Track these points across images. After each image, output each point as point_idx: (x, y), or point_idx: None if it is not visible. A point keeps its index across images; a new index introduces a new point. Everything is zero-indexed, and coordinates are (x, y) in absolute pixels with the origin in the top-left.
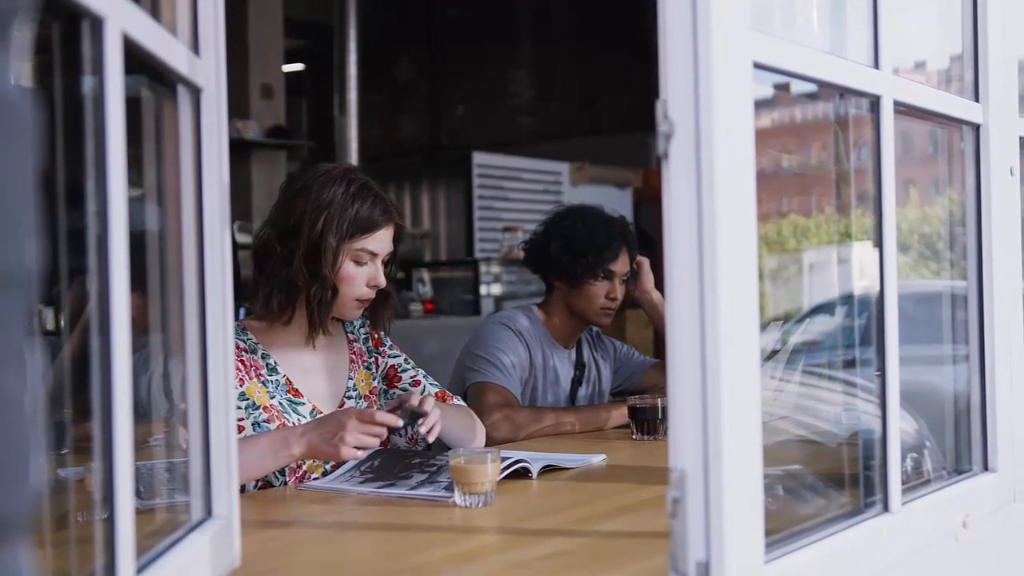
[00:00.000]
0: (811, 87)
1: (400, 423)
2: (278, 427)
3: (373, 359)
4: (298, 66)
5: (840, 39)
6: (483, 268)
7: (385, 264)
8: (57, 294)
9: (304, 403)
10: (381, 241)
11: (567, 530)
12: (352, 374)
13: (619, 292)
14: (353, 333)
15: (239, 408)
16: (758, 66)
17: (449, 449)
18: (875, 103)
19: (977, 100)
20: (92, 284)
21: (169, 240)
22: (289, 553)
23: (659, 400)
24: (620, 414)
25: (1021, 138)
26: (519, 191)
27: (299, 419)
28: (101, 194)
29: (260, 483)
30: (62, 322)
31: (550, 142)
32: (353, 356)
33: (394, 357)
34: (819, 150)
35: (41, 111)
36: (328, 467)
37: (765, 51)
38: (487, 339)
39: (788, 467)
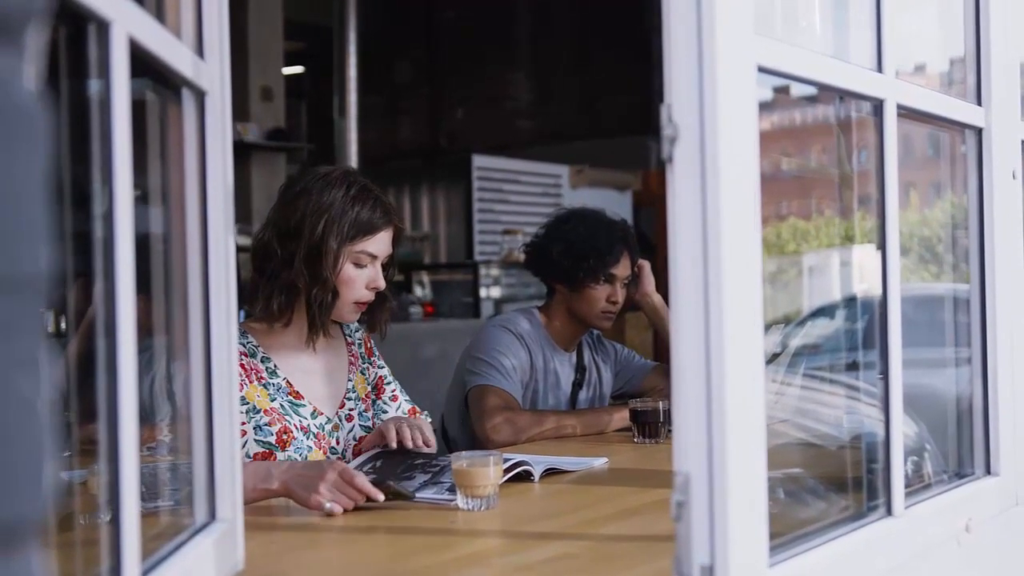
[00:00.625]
0: (810, 90)
1: (381, 498)
2: (280, 430)
3: (367, 365)
4: (298, 68)
5: (842, 42)
6: (483, 271)
7: (384, 266)
8: (59, 296)
9: (305, 404)
10: (381, 243)
11: (570, 533)
12: (351, 376)
13: (620, 296)
14: (350, 336)
15: (240, 412)
16: (762, 70)
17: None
18: (878, 107)
19: (979, 104)
20: (98, 286)
21: (173, 242)
22: (292, 556)
23: (660, 403)
24: (621, 417)
25: (1023, 141)
26: (519, 194)
27: (300, 420)
28: (107, 196)
29: None
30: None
31: (550, 145)
32: (352, 359)
33: (381, 368)
34: (818, 153)
35: (53, 116)
36: None
37: (769, 55)
38: (488, 342)
39: (791, 471)
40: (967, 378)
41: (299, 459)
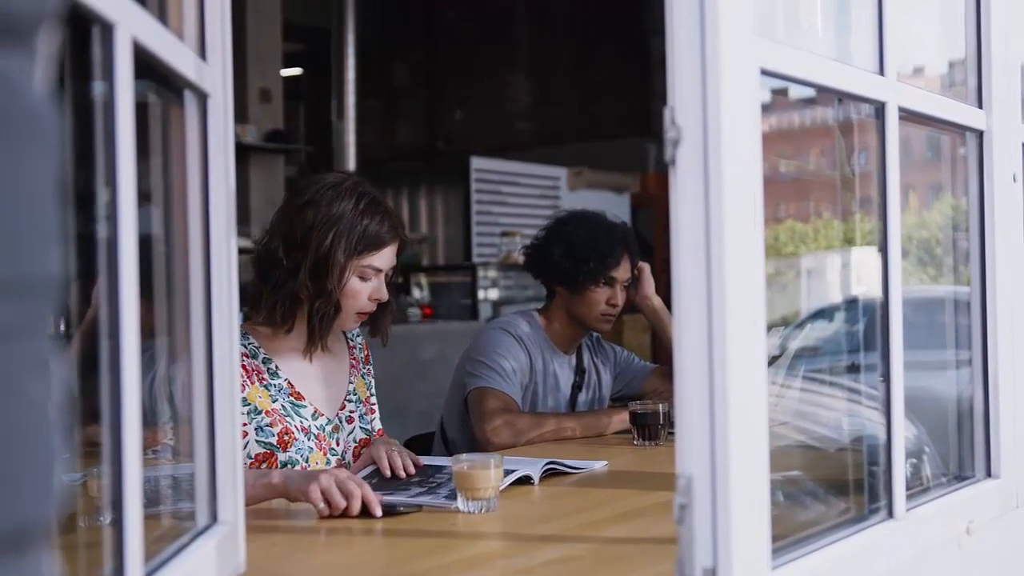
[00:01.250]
0: (808, 92)
1: (379, 513)
2: (281, 431)
3: (366, 371)
4: (296, 70)
5: (844, 45)
6: (481, 273)
7: (387, 276)
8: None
9: (306, 405)
10: (387, 257)
11: (571, 536)
12: (352, 379)
13: (620, 298)
14: (352, 340)
15: (241, 414)
16: (765, 72)
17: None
18: (880, 109)
19: (980, 106)
20: (101, 288)
21: (175, 244)
22: (293, 559)
23: (660, 406)
24: (621, 419)
25: None
26: (517, 196)
27: (301, 421)
28: (111, 198)
29: None
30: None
31: (548, 147)
32: (353, 362)
33: (372, 378)
34: (817, 155)
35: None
36: None
37: (771, 57)
38: (488, 344)
39: (792, 473)
40: (967, 380)
41: (300, 459)
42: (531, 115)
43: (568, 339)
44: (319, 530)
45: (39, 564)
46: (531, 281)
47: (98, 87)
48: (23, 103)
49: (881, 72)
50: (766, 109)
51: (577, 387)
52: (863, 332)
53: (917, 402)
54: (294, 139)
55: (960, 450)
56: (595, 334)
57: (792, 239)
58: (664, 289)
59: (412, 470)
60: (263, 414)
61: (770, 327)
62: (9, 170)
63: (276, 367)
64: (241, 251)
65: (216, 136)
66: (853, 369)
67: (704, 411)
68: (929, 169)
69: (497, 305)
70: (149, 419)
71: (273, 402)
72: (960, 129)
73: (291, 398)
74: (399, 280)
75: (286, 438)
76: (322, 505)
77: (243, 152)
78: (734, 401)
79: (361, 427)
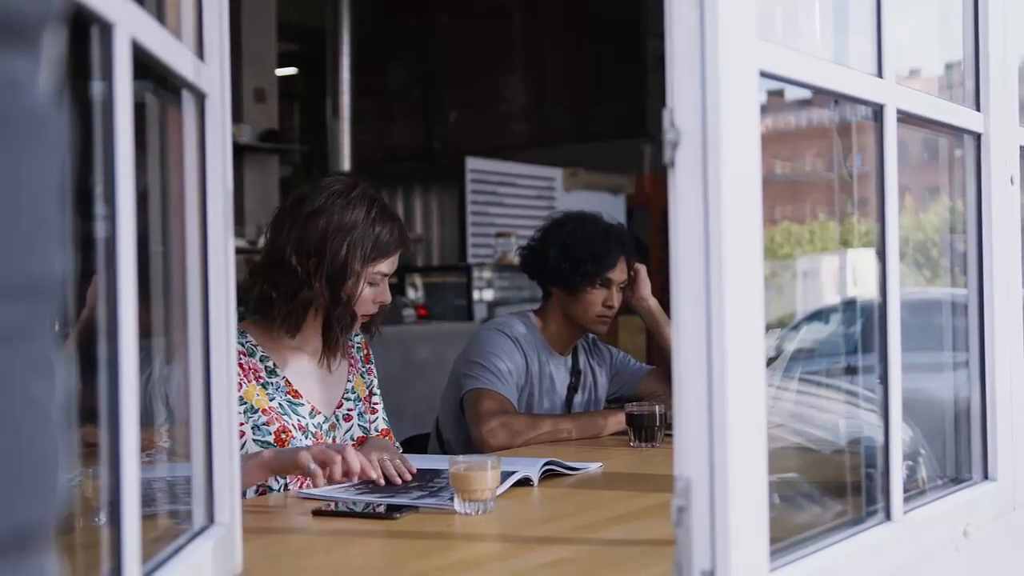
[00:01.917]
0: (804, 94)
1: (374, 475)
2: (278, 429)
3: (366, 370)
4: (291, 70)
5: (842, 47)
6: (476, 273)
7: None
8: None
9: (303, 403)
10: (395, 263)
11: (568, 538)
12: (351, 377)
13: (616, 300)
14: (351, 339)
15: (238, 413)
16: (764, 74)
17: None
18: (878, 112)
19: (978, 109)
20: (100, 288)
21: (172, 244)
22: (290, 560)
23: (657, 407)
24: (617, 421)
25: (1021, 147)
26: (512, 196)
27: (299, 420)
28: (109, 199)
29: (260, 488)
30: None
31: (543, 148)
32: (351, 361)
33: (374, 377)
34: (813, 157)
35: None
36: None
37: (770, 59)
38: (484, 345)
39: (789, 475)
40: (964, 383)
41: None
42: (526, 116)
43: (564, 340)
44: (315, 532)
45: (43, 565)
46: (526, 282)
47: (97, 87)
48: (29, 105)
49: (880, 74)
50: (762, 110)
51: (573, 388)
52: (860, 334)
53: (914, 404)
54: (289, 139)
55: (957, 452)
56: (591, 335)
57: (788, 241)
58: (660, 290)
59: (407, 477)
60: (260, 413)
61: (766, 329)
62: (15, 172)
63: (274, 365)
64: (236, 251)
65: (214, 136)
66: (850, 371)
67: (703, 413)
68: (924, 171)
69: (492, 306)
70: (144, 420)
71: (271, 400)
72: (958, 132)
73: (289, 396)
74: (394, 280)
75: (283, 436)
76: (314, 466)
77: (238, 152)
78: (733, 403)
79: (359, 425)
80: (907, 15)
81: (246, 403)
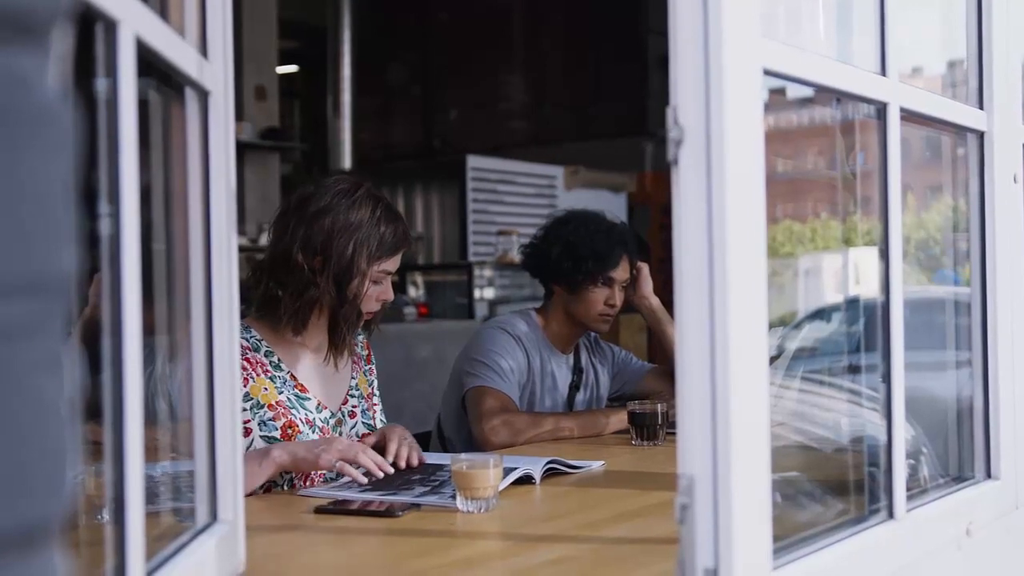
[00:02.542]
0: (806, 92)
1: (389, 467)
2: (285, 424)
3: (368, 368)
4: (292, 68)
5: (845, 45)
6: (477, 272)
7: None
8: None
9: (310, 398)
10: (398, 261)
11: (570, 536)
12: (354, 374)
13: (618, 299)
14: (353, 340)
15: (244, 409)
16: (768, 72)
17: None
18: (881, 110)
19: (981, 107)
20: (104, 286)
21: (175, 242)
22: (293, 558)
23: (659, 405)
24: (619, 419)
25: None
26: (513, 195)
27: (307, 414)
28: (114, 196)
29: (265, 485)
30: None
31: (544, 146)
32: (355, 359)
33: (375, 376)
34: (814, 155)
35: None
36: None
37: (774, 57)
38: (485, 344)
39: (792, 474)
40: (967, 381)
41: None
42: (527, 114)
43: (566, 339)
44: (318, 529)
45: (50, 561)
46: (527, 280)
47: (101, 84)
48: (38, 101)
49: (883, 72)
50: (764, 108)
51: (575, 387)
52: (862, 333)
53: (917, 403)
54: (290, 137)
55: (960, 451)
56: (593, 334)
57: (790, 239)
58: (660, 289)
59: (414, 462)
60: (265, 408)
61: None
62: (23, 168)
63: (279, 360)
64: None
65: (217, 133)
66: (852, 370)
67: (706, 411)
68: (926, 170)
69: (493, 304)
70: (148, 417)
71: (279, 393)
72: (961, 130)
73: (296, 390)
74: (395, 279)
75: (290, 431)
76: (339, 463)
77: (239, 149)
78: (736, 401)
79: (363, 422)
80: (910, 13)
81: (252, 399)
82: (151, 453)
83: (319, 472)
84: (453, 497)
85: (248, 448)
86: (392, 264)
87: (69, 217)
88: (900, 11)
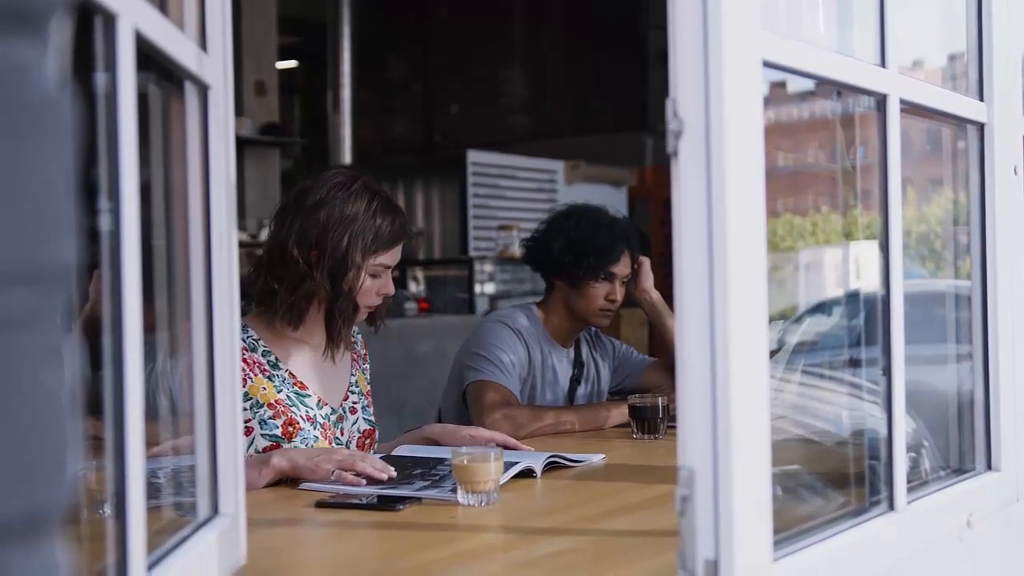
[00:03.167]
0: (807, 85)
1: (393, 472)
2: (285, 422)
3: (366, 367)
4: (292, 63)
5: (845, 37)
6: (477, 267)
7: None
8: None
9: (310, 395)
10: (397, 255)
11: (572, 529)
12: (354, 371)
13: (619, 294)
14: (352, 335)
15: (244, 409)
16: (767, 64)
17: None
18: (881, 102)
19: (981, 99)
20: (104, 281)
21: (175, 237)
22: (294, 551)
23: (660, 399)
24: (620, 413)
25: None
26: (514, 189)
27: (307, 411)
28: (113, 191)
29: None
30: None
31: (544, 140)
32: (354, 356)
33: (368, 374)
34: (815, 149)
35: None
36: None
37: (774, 49)
38: (486, 337)
39: (792, 467)
40: (967, 374)
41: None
42: (528, 109)
43: (566, 333)
44: (319, 523)
45: (53, 552)
46: (528, 275)
47: (100, 78)
48: (37, 92)
49: (883, 64)
50: (765, 102)
51: (576, 381)
52: (862, 326)
53: (917, 395)
54: (290, 132)
55: (961, 443)
56: (594, 328)
57: (790, 233)
58: (660, 283)
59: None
60: (265, 407)
61: (769, 321)
62: (23, 159)
63: (276, 359)
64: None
65: (217, 128)
66: (853, 363)
67: (706, 403)
68: (927, 163)
69: (494, 299)
70: (149, 413)
71: (278, 392)
72: (961, 122)
73: (295, 388)
74: (396, 274)
75: (291, 429)
76: (337, 472)
77: (238, 145)
78: (736, 393)
79: (364, 418)
80: (911, 6)
81: (252, 398)
82: (153, 448)
83: None
84: (454, 491)
85: (249, 447)
86: (390, 258)
87: (70, 208)
88: (900, 4)
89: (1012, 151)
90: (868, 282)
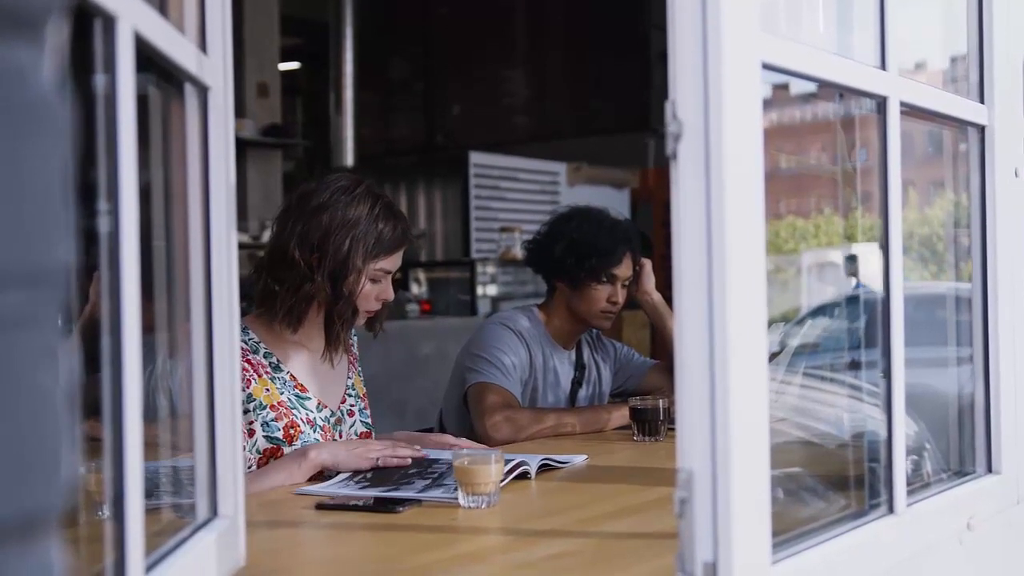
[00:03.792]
0: (809, 88)
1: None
2: (286, 425)
3: (359, 369)
4: (294, 64)
5: (846, 39)
6: (479, 268)
7: (392, 276)
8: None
9: (310, 397)
10: (398, 260)
11: (571, 531)
12: (350, 375)
13: (621, 296)
14: (349, 338)
15: (247, 411)
16: (766, 66)
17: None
18: (881, 104)
19: (982, 101)
20: (103, 283)
21: (175, 238)
22: (294, 553)
23: (660, 401)
24: (621, 415)
25: None
26: (516, 191)
27: (307, 414)
28: (112, 193)
29: None
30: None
31: (547, 142)
32: (351, 359)
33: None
34: (816, 151)
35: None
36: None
37: (773, 52)
38: (488, 339)
39: (792, 469)
40: (968, 376)
41: None
42: (530, 110)
43: (568, 335)
44: (319, 524)
45: (48, 553)
46: (530, 277)
47: (100, 80)
48: (33, 94)
49: (883, 67)
50: (768, 104)
51: (577, 383)
52: (864, 328)
53: (918, 398)
54: (292, 134)
55: (961, 446)
56: (595, 330)
57: (793, 236)
58: (663, 285)
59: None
60: (268, 409)
61: (770, 323)
62: (20, 160)
63: (277, 361)
64: (238, 246)
65: (217, 129)
66: (854, 365)
67: (705, 405)
68: (930, 165)
69: (496, 301)
70: (149, 415)
71: (280, 394)
72: (962, 124)
73: (296, 390)
74: (398, 276)
75: (291, 431)
76: (381, 460)
77: (240, 147)
78: (735, 395)
79: (362, 420)
80: (911, 8)
81: (255, 400)
82: (152, 450)
83: None
84: (455, 489)
85: (252, 449)
86: (390, 263)
87: (66, 209)
88: (901, 7)
89: (1013, 153)
90: (871, 284)
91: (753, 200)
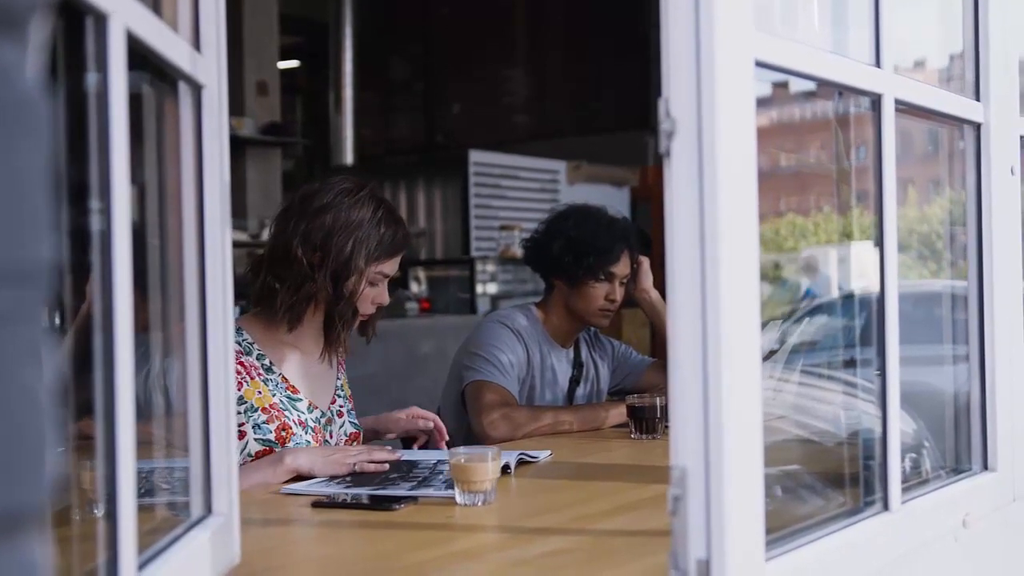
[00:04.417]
0: (808, 86)
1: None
2: (278, 427)
3: (344, 369)
4: (293, 63)
5: (841, 37)
6: (479, 267)
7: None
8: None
9: (301, 399)
10: (396, 265)
11: (567, 528)
12: (339, 376)
13: (619, 294)
14: (348, 338)
15: (239, 412)
16: (760, 64)
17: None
18: (876, 102)
19: (978, 99)
20: (95, 281)
21: (169, 237)
22: (288, 551)
23: (658, 399)
24: (618, 413)
25: (1022, 137)
26: (516, 189)
27: (299, 415)
28: (105, 192)
29: None
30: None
31: (546, 140)
32: (340, 360)
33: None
34: (816, 149)
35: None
36: None
37: (767, 49)
38: (485, 338)
39: (788, 467)
40: (965, 374)
41: None
42: (530, 109)
43: (566, 333)
44: (313, 522)
45: (31, 550)
46: (530, 275)
47: (91, 79)
48: (16, 93)
49: (878, 64)
50: (767, 103)
51: (575, 381)
52: (861, 326)
53: (915, 396)
54: (291, 132)
55: (957, 443)
56: (593, 328)
57: (792, 233)
58: (663, 283)
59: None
60: (259, 411)
61: (768, 321)
62: (5, 159)
63: (270, 363)
64: (237, 244)
65: (211, 128)
66: (851, 363)
67: (698, 402)
68: (928, 163)
69: (495, 299)
70: (145, 414)
71: (272, 396)
72: (958, 122)
73: (288, 392)
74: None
75: (283, 434)
76: (358, 466)
77: (240, 145)
78: (728, 392)
79: (350, 421)
80: (909, 7)
81: (247, 402)
82: (147, 448)
83: None
84: (449, 487)
85: (243, 451)
86: (389, 267)
87: (49, 207)
88: (900, 5)
89: (1009, 151)
90: (868, 283)
91: (746, 197)
